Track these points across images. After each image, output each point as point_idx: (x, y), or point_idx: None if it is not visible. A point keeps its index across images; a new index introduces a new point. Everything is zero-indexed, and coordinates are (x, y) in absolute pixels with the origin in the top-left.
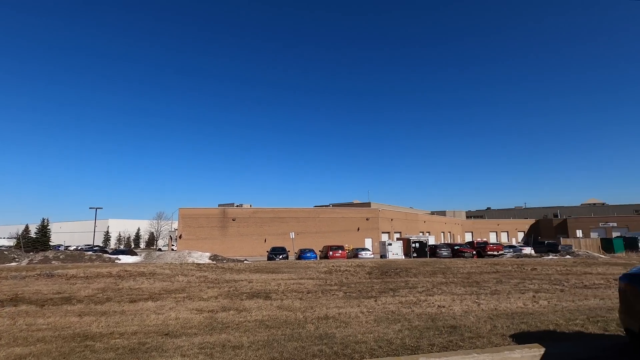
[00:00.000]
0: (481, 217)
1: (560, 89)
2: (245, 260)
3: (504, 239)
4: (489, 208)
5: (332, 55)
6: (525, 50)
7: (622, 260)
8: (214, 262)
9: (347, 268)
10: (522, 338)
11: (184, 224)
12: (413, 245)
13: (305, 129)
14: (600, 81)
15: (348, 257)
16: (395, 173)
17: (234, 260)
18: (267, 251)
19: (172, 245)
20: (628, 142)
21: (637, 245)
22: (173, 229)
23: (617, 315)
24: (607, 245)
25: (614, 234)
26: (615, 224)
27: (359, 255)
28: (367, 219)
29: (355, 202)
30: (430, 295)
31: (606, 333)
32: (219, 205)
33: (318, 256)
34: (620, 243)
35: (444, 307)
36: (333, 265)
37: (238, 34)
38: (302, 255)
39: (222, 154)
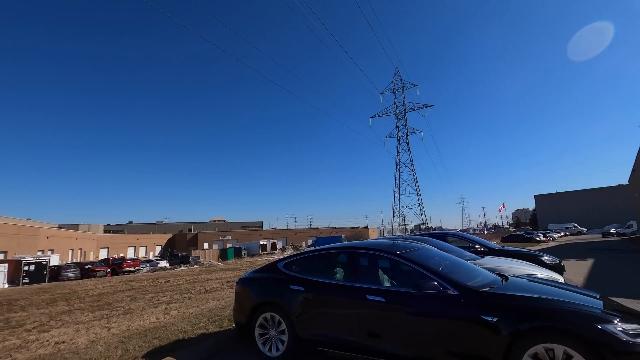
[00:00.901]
0: (121, 231)
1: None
2: None
3: (142, 253)
4: (130, 222)
5: None
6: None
7: (232, 265)
8: None
9: None
10: (155, 354)
11: None
12: (26, 268)
13: None
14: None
15: None
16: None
17: None
18: None
19: None
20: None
21: (241, 254)
22: None
23: (231, 312)
24: (223, 254)
25: (229, 245)
26: (229, 237)
27: None
28: None
29: None
30: (45, 332)
31: (222, 330)
32: None
33: None
34: (232, 252)
35: (63, 342)
36: None
37: None
38: None
39: None
